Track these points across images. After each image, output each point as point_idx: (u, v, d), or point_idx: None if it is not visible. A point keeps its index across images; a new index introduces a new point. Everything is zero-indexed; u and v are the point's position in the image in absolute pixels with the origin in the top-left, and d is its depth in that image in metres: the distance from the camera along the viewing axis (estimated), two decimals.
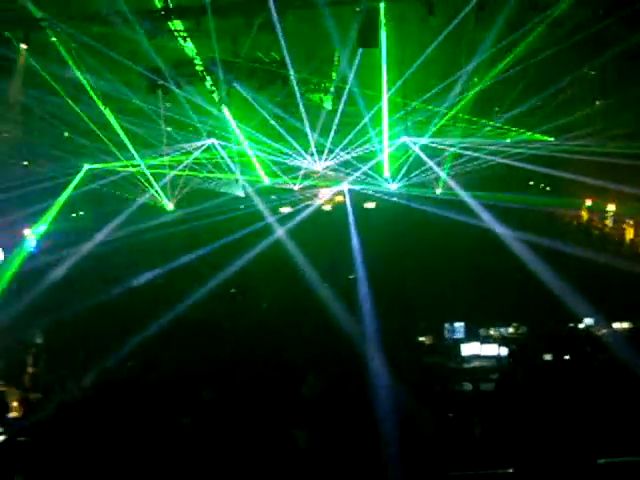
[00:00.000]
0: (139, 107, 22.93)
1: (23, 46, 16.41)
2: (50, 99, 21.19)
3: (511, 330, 14.96)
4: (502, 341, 14.29)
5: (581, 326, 15.15)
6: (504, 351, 14.00)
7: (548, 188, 28.81)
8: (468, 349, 14.15)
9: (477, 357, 14.13)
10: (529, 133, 25.17)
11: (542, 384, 11.38)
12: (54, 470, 9.06)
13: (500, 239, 20.86)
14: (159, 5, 15.51)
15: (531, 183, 29.05)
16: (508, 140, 25.73)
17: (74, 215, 29.49)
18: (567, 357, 13.19)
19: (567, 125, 22.42)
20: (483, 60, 18.76)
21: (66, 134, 25.94)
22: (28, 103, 22.36)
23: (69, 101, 21.06)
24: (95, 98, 21.32)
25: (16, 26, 16.00)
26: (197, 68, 19.57)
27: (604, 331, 15.44)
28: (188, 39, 17.27)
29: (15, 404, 12.04)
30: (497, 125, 24.67)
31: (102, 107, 22.08)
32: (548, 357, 13.21)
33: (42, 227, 26.82)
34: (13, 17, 15.79)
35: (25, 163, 26.34)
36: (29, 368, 14.07)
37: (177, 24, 16.42)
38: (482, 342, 14.29)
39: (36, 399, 12.15)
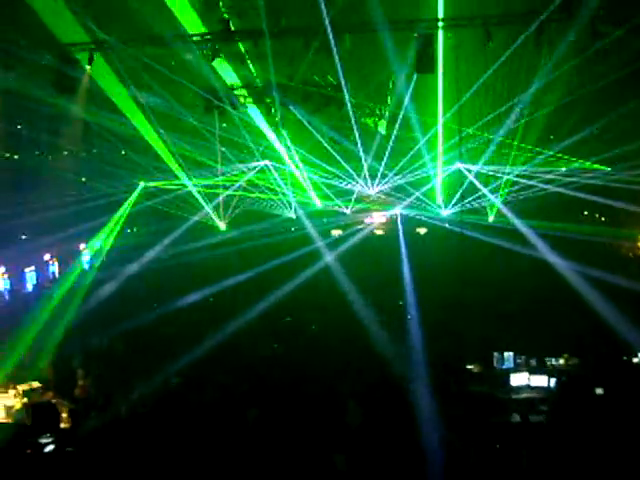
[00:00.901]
0: (195, 127, 23.33)
1: (87, 66, 16.85)
2: (110, 118, 21.68)
3: (562, 361, 14.61)
4: (552, 372, 13.95)
5: (635, 360, 14.77)
6: (554, 383, 13.69)
7: (603, 218, 28.36)
8: (517, 379, 13.86)
9: (526, 388, 13.82)
10: (584, 162, 24.85)
11: (593, 418, 11.13)
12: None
13: (553, 268, 20.57)
14: (219, 28, 15.77)
15: (585, 213, 28.63)
16: (563, 169, 25.46)
17: (129, 231, 30.01)
18: (620, 392, 12.89)
19: (623, 155, 22.04)
20: (540, 87, 18.59)
21: (124, 152, 26.52)
22: (89, 121, 22.96)
23: (128, 120, 21.48)
24: (152, 117, 21.74)
25: (81, 47, 16.44)
26: (254, 90, 19.80)
27: None
28: (247, 61, 17.51)
29: (64, 415, 12.25)
30: (552, 153, 24.43)
31: (159, 127, 22.53)
32: (600, 391, 12.89)
33: (97, 242, 27.35)
34: (79, 39, 16.25)
35: (83, 179, 26.93)
36: (80, 380, 14.27)
37: (237, 46, 16.67)
38: (532, 373, 13.97)
39: (85, 411, 12.31)
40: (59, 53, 16.41)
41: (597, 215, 28.60)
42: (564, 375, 13.91)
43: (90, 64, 16.76)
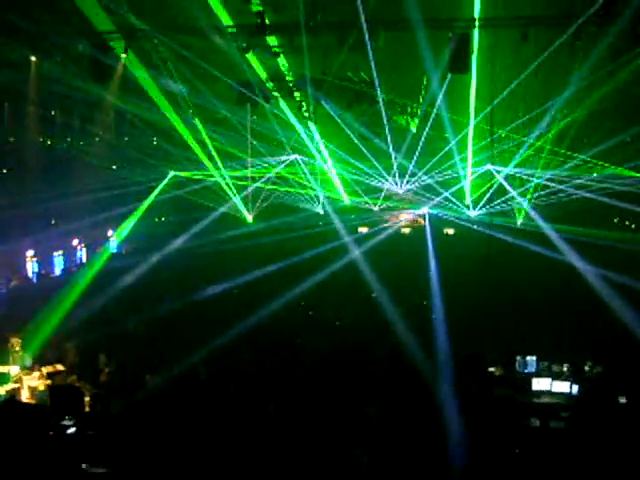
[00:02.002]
0: (227, 118, 23.42)
1: (123, 55, 16.96)
2: (142, 106, 21.82)
3: (585, 368, 14.49)
4: (575, 379, 13.84)
5: None
6: (576, 389, 13.58)
7: (634, 226, 28.04)
8: (539, 384, 13.77)
9: (548, 393, 13.72)
10: (617, 168, 24.57)
11: (615, 427, 11.04)
12: (119, 462, 9.29)
13: (580, 274, 20.39)
14: (254, 21, 15.80)
15: (616, 220, 28.32)
16: (595, 174, 25.19)
17: (157, 220, 30.24)
18: None
19: None
20: (575, 91, 18.39)
21: (155, 141, 26.70)
22: (122, 109, 23.14)
23: (161, 109, 21.62)
24: (185, 108, 21.86)
25: (118, 36, 16.55)
26: (287, 84, 19.81)
27: None
28: (281, 55, 17.52)
29: (87, 399, 12.39)
30: (584, 158, 24.19)
31: (192, 117, 22.64)
32: (623, 400, 12.77)
33: (125, 229, 27.58)
34: (116, 28, 16.36)
35: (114, 167, 27.16)
36: (103, 365, 14.41)
37: (271, 40, 16.69)
38: (554, 378, 13.86)
39: (107, 396, 12.43)
40: (95, 41, 16.52)
41: (628, 222, 28.26)
42: (587, 382, 13.79)
43: (125, 53, 16.87)
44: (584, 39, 14.87)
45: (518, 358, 14.51)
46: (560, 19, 14.99)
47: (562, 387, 13.57)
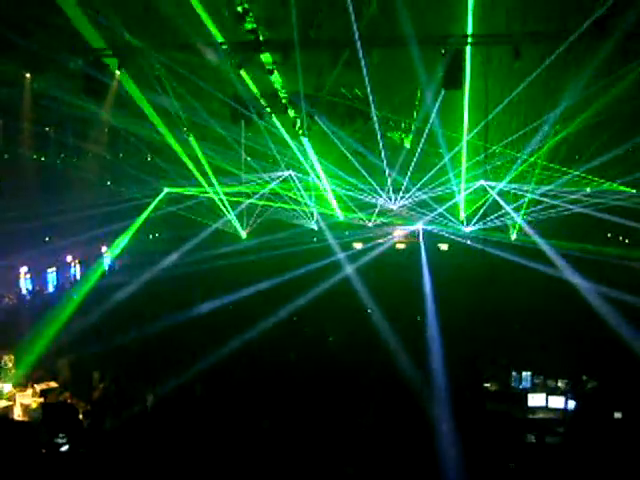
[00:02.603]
0: (221, 135, 23.46)
1: (117, 72, 17.01)
2: (137, 123, 21.86)
3: (581, 383, 14.47)
4: (570, 394, 13.81)
5: None
6: (572, 405, 13.55)
7: (627, 241, 28.11)
8: (534, 399, 13.73)
9: (543, 409, 13.69)
10: (610, 184, 24.68)
11: (610, 442, 11.00)
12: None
13: (574, 289, 20.41)
14: (248, 38, 15.85)
15: (609, 235, 28.39)
16: (588, 189, 25.30)
17: (150, 237, 30.18)
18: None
19: None
20: (568, 107, 18.49)
21: (149, 157, 26.72)
22: (116, 126, 23.17)
23: (155, 126, 21.65)
24: (179, 124, 21.90)
25: (113, 53, 16.59)
26: (281, 100, 19.87)
27: None
28: (275, 72, 17.58)
29: (80, 416, 12.30)
30: (577, 174, 24.30)
31: (186, 134, 22.67)
32: (618, 415, 12.74)
33: (119, 245, 27.52)
34: (110, 45, 16.41)
35: (107, 183, 27.15)
36: (96, 382, 14.32)
37: (265, 57, 16.74)
38: (549, 393, 13.83)
39: (100, 413, 12.35)
40: (89, 58, 16.55)
41: (621, 237, 28.32)
42: (582, 397, 13.76)
43: (119, 70, 16.92)
44: (576, 55, 14.99)
45: (513, 373, 14.50)
46: (552, 35, 15.07)
47: (557, 402, 13.54)
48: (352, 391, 13.00)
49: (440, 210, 27.95)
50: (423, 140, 22.21)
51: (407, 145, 23.48)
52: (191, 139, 23.30)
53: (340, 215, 30.09)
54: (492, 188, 26.12)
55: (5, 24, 14.86)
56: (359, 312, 20.29)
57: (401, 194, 27.45)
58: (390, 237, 30.92)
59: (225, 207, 28.60)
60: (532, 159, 23.27)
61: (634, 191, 24.28)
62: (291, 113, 20.79)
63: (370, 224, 30.49)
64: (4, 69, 17.57)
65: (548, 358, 15.60)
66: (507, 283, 23.49)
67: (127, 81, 18.34)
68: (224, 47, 16.33)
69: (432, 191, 26.69)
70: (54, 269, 25.60)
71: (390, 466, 9.51)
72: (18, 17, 15.13)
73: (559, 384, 14.30)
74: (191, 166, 25.33)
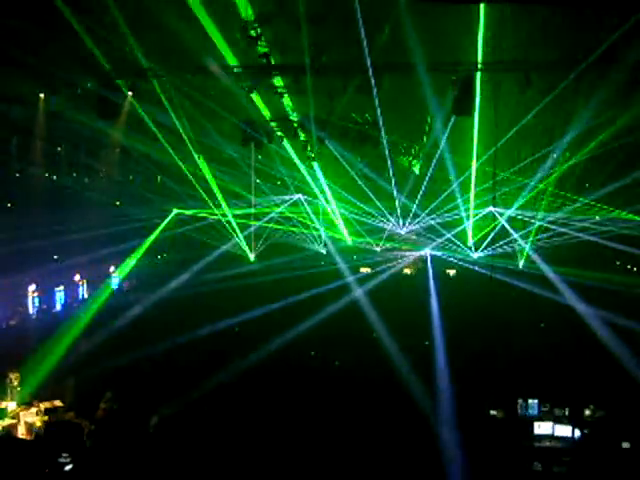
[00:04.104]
0: (231, 157, 23.56)
1: (129, 93, 17.16)
2: (148, 144, 21.99)
3: (588, 412, 14.33)
4: (577, 423, 13.69)
5: None
6: (578, 433, 13.43)
7: (635, 269, 27.99)
8: (541, 428, 13.61)
9: (550, 437, 13.57)
10: (619, 212, 24.63)
11: (618, 472, 10.89)
12: None
13: (582, 317, 20.30)
14: (260, 61, 15.98)
15: (618, 263, 28.29)
16: (597, 217, 25.25)
17: (159, 257, 30.23)
18: None
19: None
20: (577, 135, 18.53)
21: (159, 179, 26.85)
22: (127, 147, 23.32)
23: (166, 148, 21.76)
24: (190, 146, 22.01)
25: (125, 74, 16.74)
26: (292, 124, 19.98)
27: None
28: (285, 95, 17.68)
29: (85, 436, 12.27)
30: (586, 201, 24.27)
31: (196, 155, 22.76)
32: (626, 445, 12.61)
33: (127, 266, 27.56)
34: (123, 66, 16.56)
35: (117, 203, 27.26)
36: (101, 402, 14.28)
37: (277, 80, 16.85)
38: (556, 422, 13.71)
39: (104, 433, 12.31)
40: (102, 79, 16.70)
41: (629, 266, 28.21)
42: (589, 426, 13.64)
43: (132, 91, 17.06)
44: (586, 83, 15.03)
45: (520, 401, 14.40)
46: (562, 64, 15.14)
47: (564, 431, 13.42)
48: (359, 414, 12.95)
49: (448, 236, 27.95)
50: (432, 166, 22.26)
51: (416, 170, 23.53)
52: (201, 161, 23.40)
53: (349, 239, 30.10)
54: (501, 215, 26.10)
55: (19, 44, 15.02)
56: (366, 336, 20.24)
57: (410, 219, 27.49)
58: (398, 262, 30.86)
59: (234, 229, 28.64)
60: (541, 186, 23.26)
61: None
62: (301, 137, 20.89)
63: (378, 249, 30.48)
64: (19, 89, 17.77)
65: (555, 385, 15.51)
66: (514, 309, 23.36)
67: (139, 102, 18.46)
68: (236, 70, 16.46)
69: (441, 216, 26.70)
70: (62, 288, 25.63)
71: None
72: (32, 38, 15.30)
73: (566, 412, 14.19)
74: (201, 189, 25.41)
